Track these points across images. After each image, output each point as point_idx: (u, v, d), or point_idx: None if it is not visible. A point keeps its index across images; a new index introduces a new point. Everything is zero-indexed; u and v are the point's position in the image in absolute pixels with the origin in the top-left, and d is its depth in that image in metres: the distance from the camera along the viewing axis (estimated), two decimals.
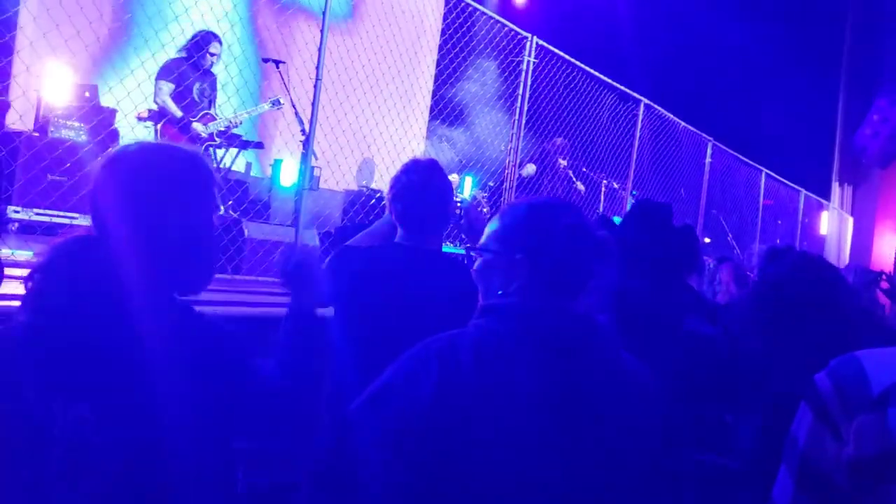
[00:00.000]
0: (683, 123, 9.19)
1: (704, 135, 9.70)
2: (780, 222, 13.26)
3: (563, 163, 7.70)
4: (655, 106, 8.49)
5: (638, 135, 8.13)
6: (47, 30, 4.82)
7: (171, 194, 1.47)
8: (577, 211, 1.54)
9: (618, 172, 8.52)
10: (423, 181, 2.62)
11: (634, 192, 8.71)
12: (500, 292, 1.48)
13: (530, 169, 7.54)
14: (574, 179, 7.84)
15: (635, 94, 8.15)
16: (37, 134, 5.76)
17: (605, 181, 8.94)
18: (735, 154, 10.72)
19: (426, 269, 2.54)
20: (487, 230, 1.57)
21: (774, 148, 12.80)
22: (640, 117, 8.15)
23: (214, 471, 1.49)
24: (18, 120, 5.97)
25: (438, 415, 1.31)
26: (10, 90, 6.10)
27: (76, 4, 4.71)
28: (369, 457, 1.32)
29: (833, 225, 15.84)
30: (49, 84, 6.13)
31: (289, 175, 7.18)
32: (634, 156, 8.17)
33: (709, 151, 9.80)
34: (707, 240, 10.97)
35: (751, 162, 11.37)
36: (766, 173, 11.90)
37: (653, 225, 2.31)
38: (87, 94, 6.28)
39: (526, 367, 1.35)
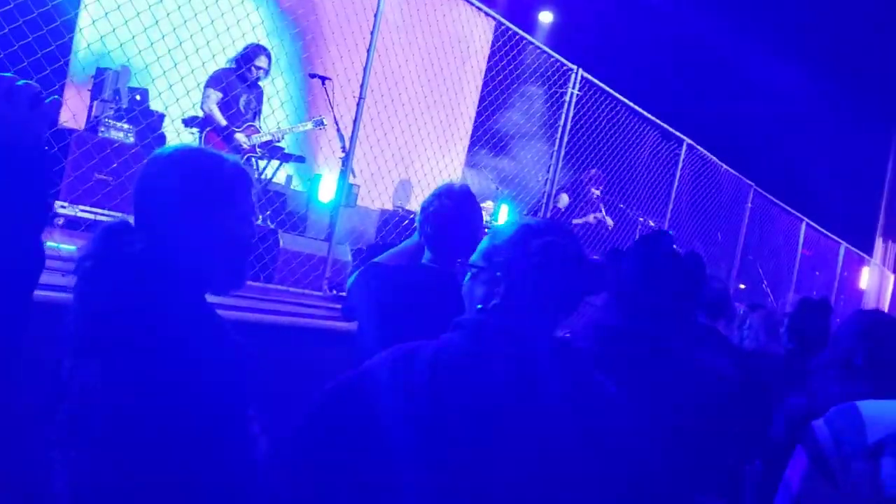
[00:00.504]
0: (725, 166, 9.12)
1: (746, 179, 9.61)
2: (818, 273, 13.04)
3: (597, 192, 7.68)
4: (698, 147, 8.45)
5: (678, 174, 8.08)
6: (104, 32, 4.98)
7: (211, 195, 1.54)
8: (564, 232, 1.53)
9: (655, 211, 8.47)
10: (455, 207, 2.65)
11: (671, 232, 8.64)
12: (479, 306, 1.50)
13: (564, 200, 7.54)
14: (603, 212, 7.81)
15: (678, 134, 8.12)
16: (87, 133, 5.93)
17: (641, 219, 8.90)
18: (776, 201, 10.60)
19: (449, 292, 2.56)
20: (479, 247, 1.60)
21: (818, 198, 12.64)
22: (682, 157, 8.11)
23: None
24: (71, 118, 6.15)
25: (388, 418, 1.36)
26: (65, 89, 6.30)
27: (133, 9, 4.85)
28: (328, 442, 1.40)
29: (874, 280, 15.54)
30: (102, 85, 6.31)
31: (327, 191, 7.28)
32: (673, 195, 8.12)
33: (750, 196, 9.70)
34: (742, 286, 10.83)
35: (792, 210, 11.22)
36: (808, 223, 11.73)
37: (651, 254, 2.26)
38: (137, 98, 6.45)
39: (478, 383, 1.36)
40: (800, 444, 1.14)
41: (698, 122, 10.64)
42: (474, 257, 1.57)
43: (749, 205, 9.68)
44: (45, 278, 2.62)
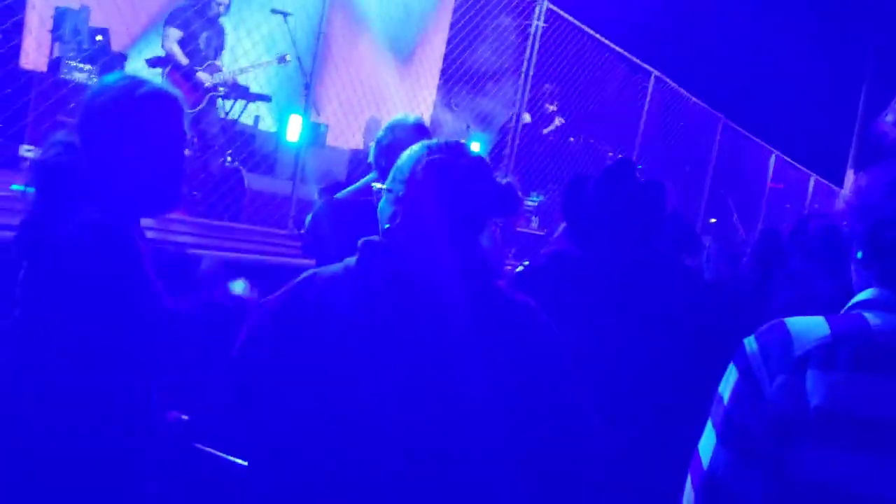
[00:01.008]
0: (694, 99, 9.14)
1: (715, 111, 9.64)
2: (788, 206, 13.20)
3: (552, 108, 7.70)
4: (666, 79, 8.45)
5: (646, 107, 8.10)
6: None
7: (141, 124, 1.66)
8: (459, 153, 1.54)
9: (624, 144, 8.51)
10: (408, 139, 2.67)
11: (639, 166, 8.71)
12: (386, 226, 1.56)
13: (526, 117, 7.59)
14: (557, 121, 7.81)
15: (646, 66, 8.11)
16: (49, 74, 5.83)
17: (610, 153, 8.95)
18: (746, 133, 10.65)
19: None
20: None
21: (788, 129, 12.69)
22: (650, 89, 8.12)
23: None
24: (32, 60, 6.05)
25: (294, 341, 1.48)
26: (24, 31, 6.17)
27: None
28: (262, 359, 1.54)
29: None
30: (61, 26, 6.18)
31: (294, 130, 7.23)
32: (641, 128, 8.16)
33: (719, 128, 9.74)
34: (712, 220, 10.97)
35: (762, 142, 11.29)
36: (777, 155, 11.81)
37: (612, 183, 2.27)
38: (98, 38, 6.34)
39: (361, 304, 1.45)
40: (732, 361, 1.20)
41: (667, 53, 10.59)
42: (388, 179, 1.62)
43: (718, 137, 9.73)
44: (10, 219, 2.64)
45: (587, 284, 2.19)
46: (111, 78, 1.74)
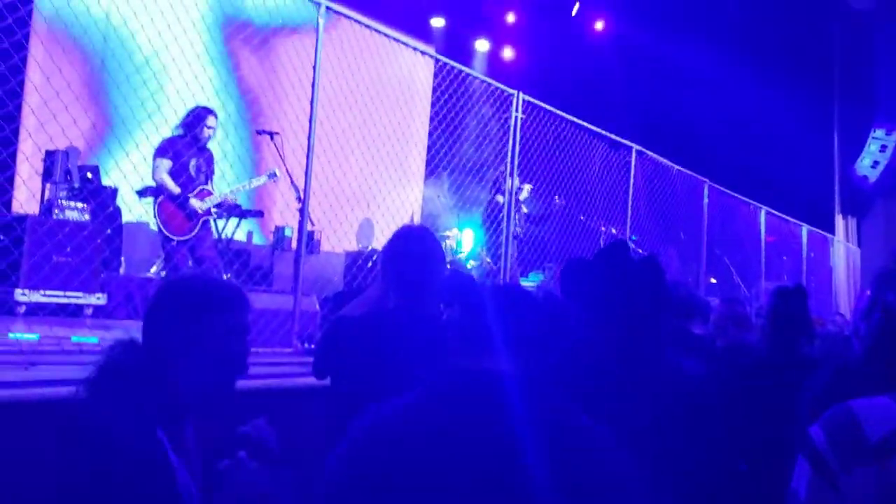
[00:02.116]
0: (677, 167, 9.29)
1: (699, 176, 9.79)
2: (785, 258, 13.24)
3: (559, 201, 7.83)
4: (647, 152, 8.60)
5: (632, 181, 8.22)
6: (46, 120, 4.99)
7: (205, 321, 1.69)
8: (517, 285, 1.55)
9: (616, 218, 8.59)
10: (414, 247, 2.69)
11: (634, 238, 8.77)
12: (460, 347, 1.54)
13: (498, 199, 7.76)
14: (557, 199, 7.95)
15: (626, 142, 8.27)
16: (42, 216, 5.89)
17: (602, 227, 9.01)
18: (732, 194, 10.78)
19: (418, 333, 2.59)
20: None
21: (774, 185, 12.84)
22: (633, 164, 8.26)
23: None
24: (24, 204, 6.12)
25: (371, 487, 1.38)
26: (15, 176, 6.27)
27: (71, 94, 4.87)
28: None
29: (840, 257, 15.80)
30: (51, 168, 6.29)
31: (291, 241, 7.30)
32: (630, 202, 8.25)
33: (705, 192, 9.87)
34: (713, 280, 10.97)
35: (749, 200, 11.42)
36: (767, 210, 11.94)
37: (608, 265, 2.26)
38: (89, 175, 6.45)
39: (439, 440, 1.36)
40: (800, 454, 1.13)
41: (645, 126, 10.84)
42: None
43: (706, 200, 9.84)
44: (7, 374, 2.61)
45: (604, 372, 2.15)
46: (176, 275, 1.77)
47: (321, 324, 5.19)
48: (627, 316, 2.19)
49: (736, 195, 10.89)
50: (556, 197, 7.80)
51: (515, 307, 1.52)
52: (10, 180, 6.09)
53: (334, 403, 2.64)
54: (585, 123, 7.57)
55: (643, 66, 12.48)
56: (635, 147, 8.32)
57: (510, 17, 12.77)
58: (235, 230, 6.59)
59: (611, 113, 10.06)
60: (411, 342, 2.55)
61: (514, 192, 6.59)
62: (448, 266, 8.68)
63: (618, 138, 8.13)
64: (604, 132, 7.89)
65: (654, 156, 8.76)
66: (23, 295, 5.31)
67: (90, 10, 4.84)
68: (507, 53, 13.34)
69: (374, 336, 2.60)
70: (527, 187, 7.90)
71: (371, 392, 2.53)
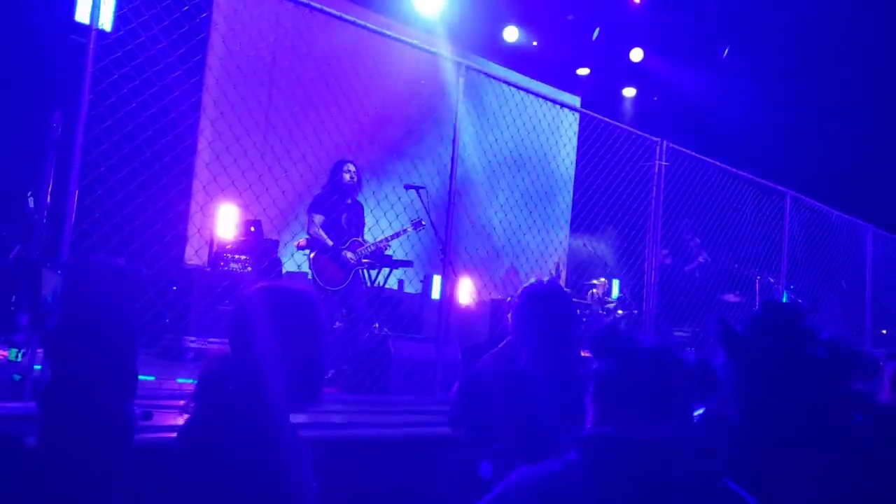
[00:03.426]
0: (837, 212, 8.75)
1: (862, 221, 9.16)
2: None
3: (696, 241, 7.57)
4: (803, 197, 8.17)
5: (787, 228, 7.82)
6: (217, 173, 5.46)
7: (282, 326, 1.81)
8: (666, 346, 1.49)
9: (771, 267, 8.18)
10: (544, 305, 2.72)
11: (792, 287, 8.31)
12: (608, 412, 1.48)
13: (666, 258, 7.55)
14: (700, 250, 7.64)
15: (779, 187, 7.90)
16: (209, 268, 6.41)
17: (758, 276, 8.60)
18: None
19: (546, 394, 2.60)
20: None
21: None
22: (788, 210, 7.86)
23: None
24: (194, 256, 6.68)
25: None
26: (188, 229, 6.86)
27: (240, 148, 5.30)
28: None
29: None
30: (220, 222, 6.84)
31: (436, 290, 7.49)
32: (785, 250, 7.83)
33: (870, 237, 9.20)
34: (884, 331, 10.16)
35: None
36: None
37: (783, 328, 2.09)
38: (252, 229, 6.94)
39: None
40: None
41: (801, 168, 10.31)
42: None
43: (870, 246, 9.18)
44: (164, 419, 2.84)
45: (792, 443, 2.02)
46: (249, 291, 1.92)
47: (457, 377, 5.29)
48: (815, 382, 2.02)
49: None
50: (700, 257, 7.56)
51: (669, 373, 1.47)
52: (183, 234, 6.68)
53: (467, 456, 2.69)
54: (733, 169, 7.32)
55: (795, 108, 11.91)
56: (790, 193, 7.93)
57: (654, 63, 12.65)
58: (387, 279, 6.85)
59: (764, 158, 9.67)
60: (543, 400, 2.57)
61: (657, 241, 6.46)
62: (592, 314, 8.60)
63: (769, 183, 7.79)
64: (752, 177, 7.59)
65: (811, 201, 8.30)
66: (191, 342, 5.79)
67: (257, 73, 5.28)
68: (653, 99, 13.19)
69: (504, 395, 2.64)
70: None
71: (501, 449, 2.59)
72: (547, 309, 2.71)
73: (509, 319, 2.85)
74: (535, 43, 11.52)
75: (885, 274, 9.59)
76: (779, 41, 11.56)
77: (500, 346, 3.02)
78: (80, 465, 1.57)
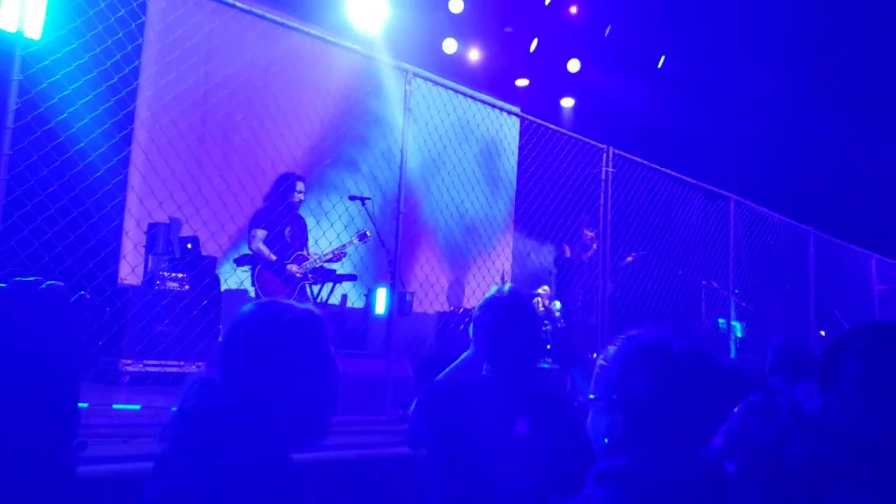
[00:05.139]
0: (779, 216, 8.90)
1: (803, 225, 9.35)
2: None
3: (590, 234, 7.59)
4: (746, 202, 8.28)
5: (732, 233, 7.90)
6: (154, 186, 5.21)
7: (288, 352, 1.58)
8: (684, 342, 1.36)
9: (716, 272, 8.27)
10: (506, 314, 2.60)
11: (736, 291, 8.40)
12: (605, 440, 1.36)
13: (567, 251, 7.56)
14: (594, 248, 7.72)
15: (723, 192, 7.99)
16: (144, 287, 6.11)
17: (703, 281, 8.68)
18: (840, 242, 10.24)
19: (512, 402, 2.49)
20: (595, 377, 1.47)
21: (883, 230, 12.17)
22: (732, 214, 7.95)
23: None
24: (130, 274, 6.37)
25: None
26: (122, 247, 6.55)
27: (179, 160, 5.07)
28: None
29: None
30: (155, 239, 6.54)
31: (382, 303, 7.32)
32: (731, 255, 7.91)
33: (811, 241, 9.40)
34: (822, 332, 10.38)
35: (858, 248, 10.82)
36: (877, 258, 11.28)
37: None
38: (189, 246, 6.66)
39: None
40: None
41: (744, 174, 10.49)
42: (591, 389, 1.45)
43: (812, 250, 9.37)
44: (102, 449, 2.61)
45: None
46: (250, 307, 1.68)
47: (415, 389, 5.12)
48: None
49: (844, 243, 10.34)
50: (595, 244, 7.59)
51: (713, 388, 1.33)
52: (117, 251, 6.37)
53: (428, 477, 2.54)
54: (678, 174, 7.37)
55: (736, 113, 12.17)
56: (734, 197, 8.02)
57: (592, 73, 12.78)
58: (330, 295, 6.65)
59: (706, 163, 9.79)
60: (503, 411, 2.45)
61: (608, 249, 6.43)
62: (546, 327, 8.52)
63: (714, 188, 7.87)
64: (697, 182, 7.66)
65: (754, 206, 8.42)
66: (127, 365, 5.49)
67: (190, 87, 5.07)
68: (594, 108, 13.31)
69: (467, 407, 2.51)
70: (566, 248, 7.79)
71: (466, 463, 2.45)
72: (509, 318, 2.58)
73: (470, 332, 2.70)
74: (474, 55, 11.50)
75: (826, 277, 9.80)
76: (714, 48, 11.79)
77: (460, 359, 2.88)
78: None
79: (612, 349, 1.44)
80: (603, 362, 1.43)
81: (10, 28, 3.61)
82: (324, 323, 1.69)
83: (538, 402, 2.53)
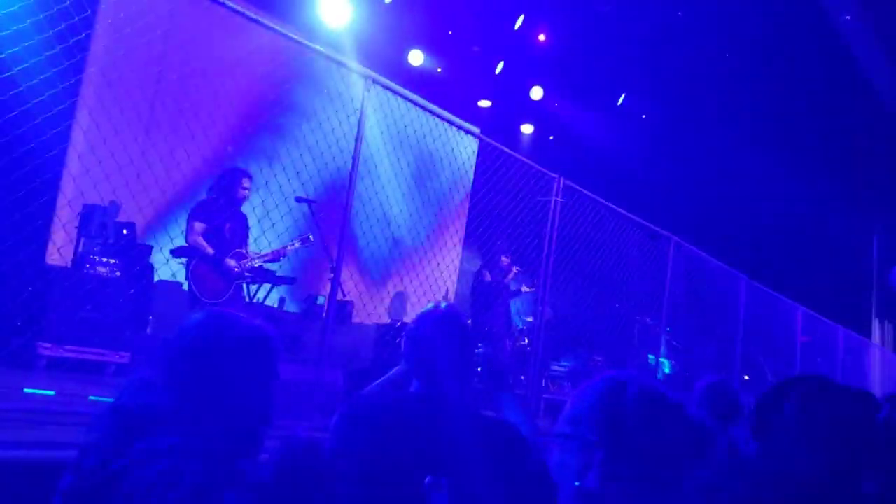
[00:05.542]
0: (716, 261, 9.12)
1: (737, 271, 9.60)
2: (819, 360, 12.85)
3: (506, 260, 7.71)
4: (685, 244, 8.46)
5: (669, 272, 8.05)
6: (91, 167, 5.02)
7: (232, 367, 1.59)
8: (654, 383, 1.34)
9: (651, 308, 8.40)
10: (440, 330, 2.56)
11: (669, 329, 8.55)
12: (577, 483, 1.29)
13: (486, 275, 7.75)
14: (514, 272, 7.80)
15: (665, 232, 8.14)
16: (71, 270, 5.88)
17: (637, 317, 8.82)
18: (769, 291, 10.55)
19: (439, 421, 2.44)
20: (564, 413, 1.39)
21: (811, 285, 12.60)
22: (671, 254, 8.10)
23: None
24: (58, 257, 6.13)
25: None
26: (52, 226, 6.31)
27: (120, 144, 4.91)
28: None
29: (875, 362, 15.35)
30: (89, 221, 6.31)
31: (321, 310, 7.22)
32: (667, 293, 8.06)
33: (743, 288, 9.65)
34: (746, 377, 10.64)
35: (786, 298, 11.17)
36: (804, 310, 11.67)
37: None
38: (124, 232, 6.46)
39: None
40: None
41: (685, 216, 10.74)
42: (558, 424, 1.38)
43: (743, 296, 9.62)
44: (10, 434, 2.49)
45: None
46: (197, 317, 1.67)
47: (345, 400, 5.04)
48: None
49: (773, 292, 10.65)
50: (514, 268, 7.70)
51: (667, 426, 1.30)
52: (46, 229, 6.13)
53: (346, 485, 2.47)
54: (624, 211, 7.48)
55: (685, 157, 12.47)
56: (674, 238, 8.18)
57: (555, 103, 12.92)
58: (267, 296, 6.52)
59: (651, 202, 9.98)
60: (430, 429, 2.41)
61: (548, 275, 6.46)
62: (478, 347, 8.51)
63: (656, 228, 8.01)
64: (642, 220, 7.79)
65: (692, 248, 8.61)
66: (45, 349, 5.25)
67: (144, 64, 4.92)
68: (550, 137, 13.46)
69: (392, 424, 2.45)
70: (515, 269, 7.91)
71: (383, 479, 2.39)
72: (444, 335, 2.54)
73: (402, 345, 2.66)
74: (439, 69, 11.50)
75: (754, 324, 10.06)
76: (673, 92, 12.08)
77: (390, 373, 2.84)
78: None
79: (585, 386, 1.39)
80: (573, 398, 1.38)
81: None
82: (274, 342, 1.68)
83: (457, 418, 2.49)
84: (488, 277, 7.74)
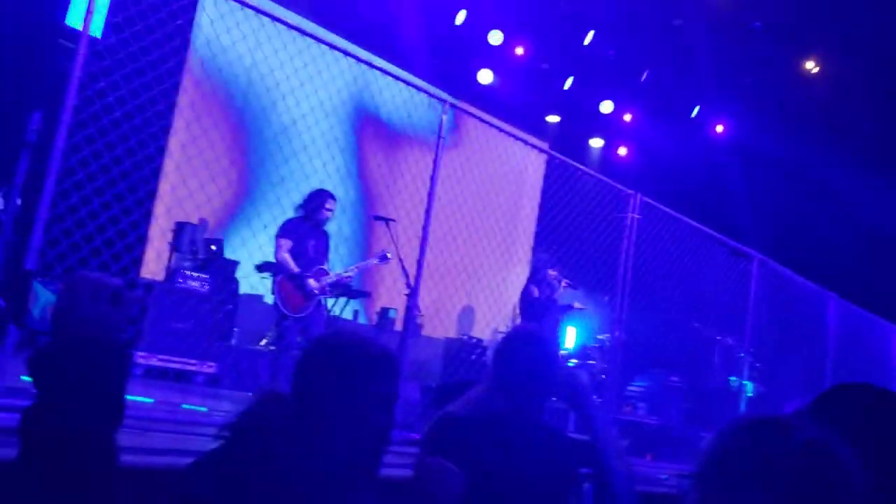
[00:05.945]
0: (802, 279, 8.79)
1: (826, 289, 9.22)
2: None
3: (553, 273, 7.63)
4: (770, 261, 8.20)
5: (753, 291, 7.79)
6: (181, 193, 5.29)
7: (357, 386, 1.61)
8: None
9: (732, 329, 8.18)
10: (523, 350, 2.61)
11: (742, 355, 8.26)
12: None
13: (533, 290, 7.69)
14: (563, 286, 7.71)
15: (748, 249, 7.93)
16: (165, 284, 6.19)
17: (718, 337, 8.61)
18: (862, 309, 10.10)
19: (530, 439, 2.50)
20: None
21: None
22: (755, 273, 7.86)
23: None
24: (153, 272, 6.46)
25: None
26: (147, 243, 6.65)
27: (208, 172, 5.15)
28: None
29: None
30: (181, 238, 6.63)
31: (394, 323, 7.35)
32: (750, 314, 7.79)
33: (833, 307, 9.25)
34: None
35: (881, 318, 10.67)
36: None
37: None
38: (213, 248, 6.74)
39: None
40: None
41: (771, 232, 10.42)
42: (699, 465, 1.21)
43: (833, 315, 9.23)
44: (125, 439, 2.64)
45: None
46: (330, 335, 1.76)
47: (422, 414, 5.12)
48: None
49: (867, 311, 10.19)
50: (564, 281, 7.58)
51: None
52: (142, 244, 6.46)
53: None
54: (705, 228, 7.33)
55: (767, 172, 12.12)
56: (757, 256, 7.95)
57: (626, 117, 12.80)
58: (344, 309, 6.70)
59: (732, 219, 9.75)
60: (519, 449, 2.45)
61: (626, 294, 6.40)
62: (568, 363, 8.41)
63: (739, 245, 7.82)
64: (723, 238, 7.61)
65: (778, 266, 8.34)
66: (142, 358, 5.55)
67: (233, 98, 5.16)
68: (622, 152, 13.33)
69: (483, 442, 2.50)
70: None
71: (473, 496, 2.44)
72: (525, 353, 2.59)
73: (489, 363, 2.72)
74: (507, 87, 11.58)
75: (846, 346, 9.61)
76: (748, 102, 11.80)
77: (476, 389, 2.89)
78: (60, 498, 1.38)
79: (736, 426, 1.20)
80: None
81: (77, 25, 3.69)
82: (396, 364, 1.73)
83: (540, 438, 2.53)
84: (536, 293, 7.67)
